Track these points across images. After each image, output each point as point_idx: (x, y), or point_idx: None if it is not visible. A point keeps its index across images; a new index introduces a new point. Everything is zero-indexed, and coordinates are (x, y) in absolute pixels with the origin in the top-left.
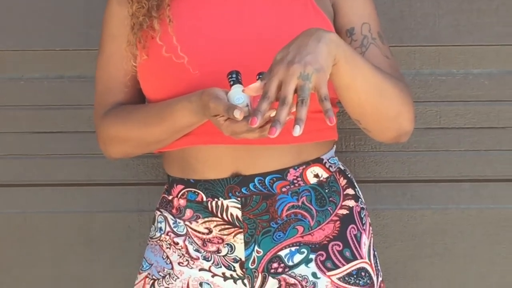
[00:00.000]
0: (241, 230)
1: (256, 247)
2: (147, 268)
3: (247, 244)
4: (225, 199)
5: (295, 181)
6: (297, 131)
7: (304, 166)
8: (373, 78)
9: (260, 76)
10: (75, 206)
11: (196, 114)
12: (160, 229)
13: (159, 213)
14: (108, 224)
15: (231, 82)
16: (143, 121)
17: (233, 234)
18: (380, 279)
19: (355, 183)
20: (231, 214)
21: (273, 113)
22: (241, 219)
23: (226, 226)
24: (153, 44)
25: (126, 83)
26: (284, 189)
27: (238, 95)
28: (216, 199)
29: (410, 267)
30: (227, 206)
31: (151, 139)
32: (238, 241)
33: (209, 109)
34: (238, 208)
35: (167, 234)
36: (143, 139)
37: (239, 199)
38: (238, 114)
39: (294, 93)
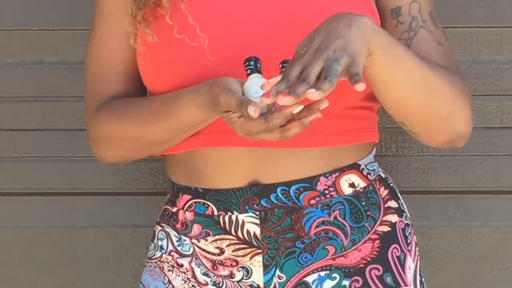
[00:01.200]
0: (260, 250)
1: (277, 272)
2: None
3: (266, 267)
4: (240, 213)
5: (326, 192)
6: (313, 92)
7: (337, 174)
8: (418, 71)
9: (285, 65)
10: (56, 219)
11: (205, 109)
12: (161, 247)
13: (160, 228)
14: (95, 241)
15: (248, 71)
16: (143, 118)
17: (249, 256)
18: None
19: (399, 194)
20: (248, 231)
21: (297, 109)
22: (259, 238)
23: (242, 246)
24: (160, 24)
25: (124, 72)
26: (312, 201)
27: (256, 87)
28: (229, 213)
29: None
30: (243, 222)
31: (151, 140)
32: (256, 264)
33: (219, 104)
34: (257, 224)
35: (169, 254)
36: (143, 139)
37: (257, 213)
38: (253, 111)
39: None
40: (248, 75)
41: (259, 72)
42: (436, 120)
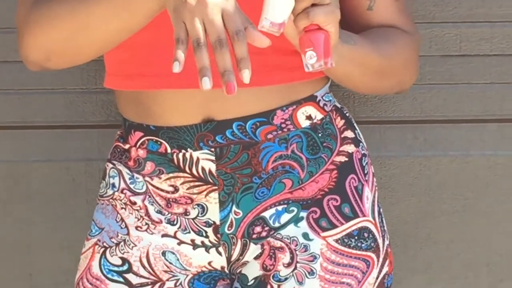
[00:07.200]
0: (216, 187)
1: (234, 208)
2: (97, 233)
3: (222, 204)
4: (194, 150)
5: (283, 125)
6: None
7: (294, 106)
8: (374, 65)
9: None
10: (6, 154)
11: None
12: (113, 185)
13: (111, 165)
14: (47, 176)
15: None
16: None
17: (205, 193)
18: (386, 242)
19: (355, 124)
20: (203, 168)
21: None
22: (215, 174)
23: (197, 183)
24: None
25: None
26: (270, 136)
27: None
28: (183, 151)
29: (423, 228)
30: (198, 159)
31: (86, 23)
32: (212, 201)
33: None
34: (212, 160)
35: (122, 192)
36: (77, 21)
37: (212, 149)
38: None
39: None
40: None
41: None
42: (386, 89)
